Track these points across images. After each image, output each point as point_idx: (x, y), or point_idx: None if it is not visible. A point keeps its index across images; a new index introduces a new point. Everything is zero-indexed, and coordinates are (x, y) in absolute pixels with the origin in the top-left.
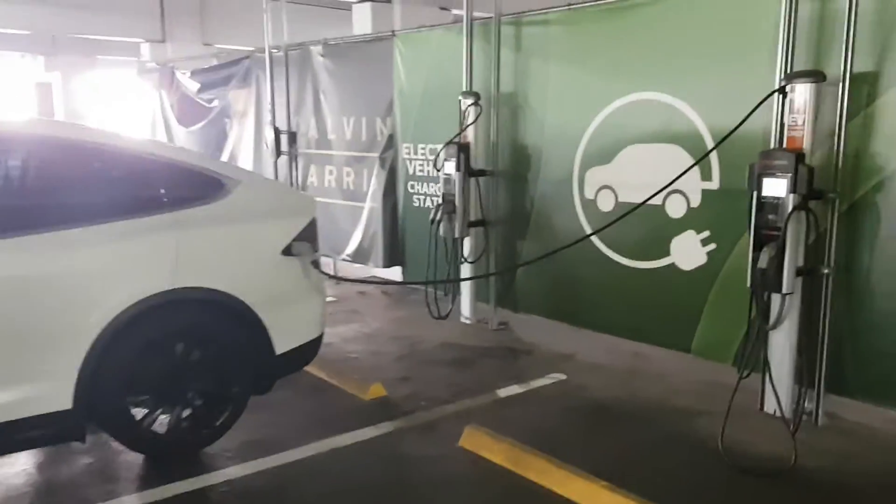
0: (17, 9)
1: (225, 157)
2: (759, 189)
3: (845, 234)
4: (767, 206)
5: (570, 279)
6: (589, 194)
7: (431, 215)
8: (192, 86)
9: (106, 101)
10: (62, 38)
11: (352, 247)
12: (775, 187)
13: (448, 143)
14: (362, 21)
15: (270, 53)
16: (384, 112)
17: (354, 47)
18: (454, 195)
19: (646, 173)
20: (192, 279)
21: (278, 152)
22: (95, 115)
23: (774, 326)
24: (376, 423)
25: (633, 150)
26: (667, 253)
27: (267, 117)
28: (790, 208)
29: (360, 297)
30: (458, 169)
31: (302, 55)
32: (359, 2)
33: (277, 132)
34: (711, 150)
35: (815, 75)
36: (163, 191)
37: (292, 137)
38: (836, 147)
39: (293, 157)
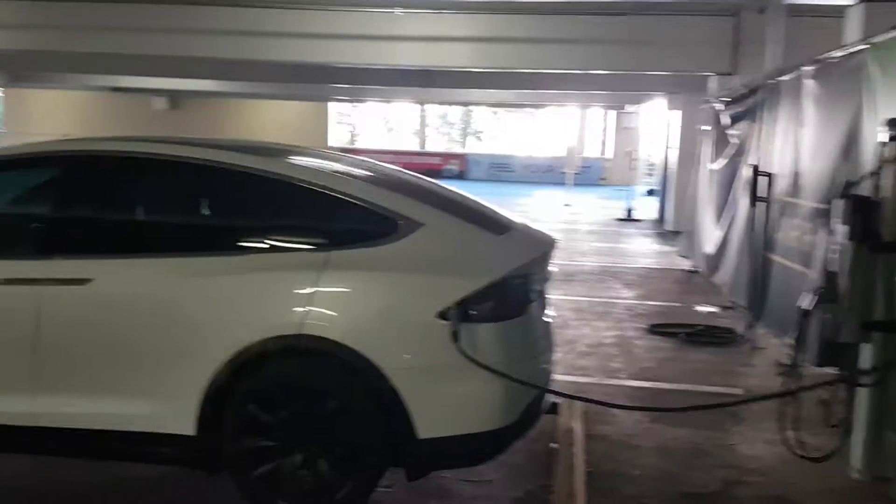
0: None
1: (730, 201)
2: None
3: None
4: None
5: None
6: None
7: (801, 301)
8: (725, 119)
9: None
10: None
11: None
12: None
13: (843, 195)
14: (852, 31)
15: (775, 79)
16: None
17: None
18: (840, 275)
19: None
20: (321, 328)
21: (753, 198)
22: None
23: None
24: None
25: None
26: None
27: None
28: None
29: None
30: (852, 237)
31: (794, 81)
32: (857, 2)
33: (756, 173)
34: None
35: None
36: (319, 225)
37: (769, 181)
38: None
39: (768, 205)
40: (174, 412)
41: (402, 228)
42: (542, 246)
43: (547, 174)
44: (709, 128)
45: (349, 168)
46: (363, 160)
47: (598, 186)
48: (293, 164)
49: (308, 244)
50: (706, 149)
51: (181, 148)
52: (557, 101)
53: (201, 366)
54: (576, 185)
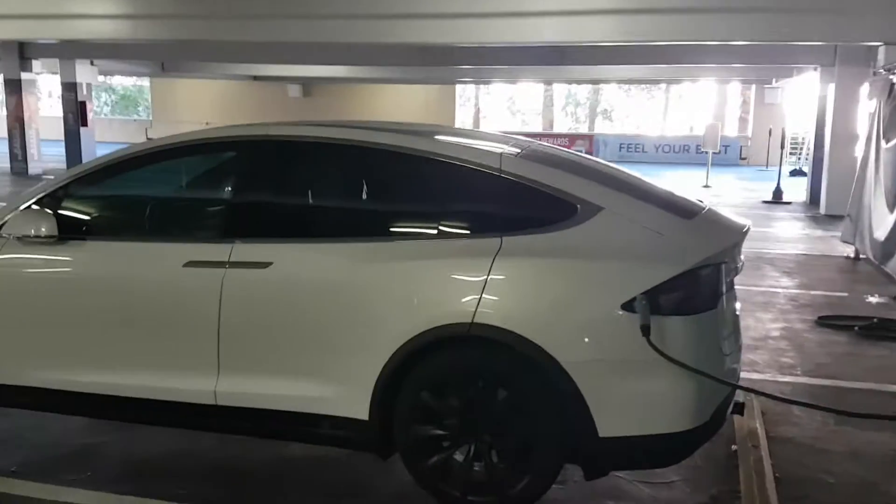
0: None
1: None
2: None
3: None
4: None
5: None
6: None
7: None
8: None
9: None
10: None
11: None
12: None
13: None
14: None
15: None
16: None
17: None
18: None
19: None
20: (495, 317)
21: None
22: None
23: None
24: None
25: None
26: None
27: None
28: None
29: None
30: None
31: None
32: None
33: None
34: None
35: None
36: (492, 210)
37: None
38: None
39: None
40: (348, 396)
41: (581, 212)
42: (734, 233)
43: (681, 154)
44: (878, 102)
45: (520, 150)
46: (531, 141)
47: (738, 167)
48: (466, 147)
49: (481, 230)
50: (875, 125)
51: (357, 132)
52: (694, 76)
53: (375, 351)
54: (714, 165)
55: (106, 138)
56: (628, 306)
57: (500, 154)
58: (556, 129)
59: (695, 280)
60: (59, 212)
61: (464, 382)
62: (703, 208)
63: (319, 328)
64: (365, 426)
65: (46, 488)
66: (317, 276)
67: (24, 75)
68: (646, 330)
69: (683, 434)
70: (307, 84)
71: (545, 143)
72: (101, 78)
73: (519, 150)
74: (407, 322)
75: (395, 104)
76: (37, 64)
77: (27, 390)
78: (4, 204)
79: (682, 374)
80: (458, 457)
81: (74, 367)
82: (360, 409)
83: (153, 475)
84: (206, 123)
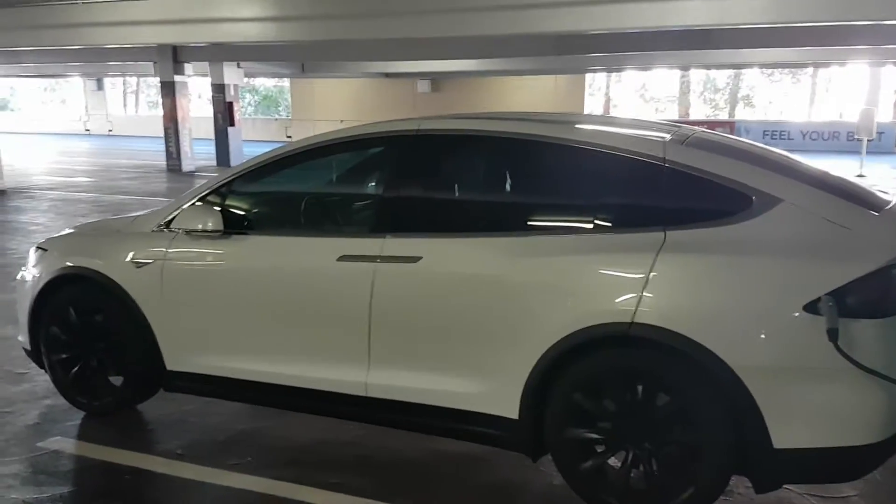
0: None
1: None
2: None
3: None
4: None
5: None
6: None
7: None
8: None
9: None
10: None
11: None
12: None
13: None
14: None
15: None
16: None
17: None
18: None
19: None
20: (658, 317)
21: None
22: None
23: None
24: None
25: None
26: None
27: None
28: None
29: None
30: None
31: None
32: None
33: None
34: None
35: None
36: (655, 202)
37: None
38: None
39: None
40: (498, 394)
41: (757, 204)
42: None
43: (830, 142)
44: None
45: (684, 137)
46: (693, 128)
47: (893, 154)
48: (626, 136)
49: (643, 223)
50: None
51: (510, 124)
52: (843, 59)
53: (526, 348)
54: (867, 153)
55: (250, 137)
56: (811, 307)
57: (664, 143)
58: (693, 116)
59: (887, 279)
60: (223, 207)
61: (621, 385)
62: (890, 200)
63: (468, 324)
64: (515, 425)
65: (211, 471)
66: (466, 271)
67: (178, 78)
68: (833, 334)
69: (870, 447)
70: (436, 79)
71: (708, 130)
72: (245, 79)
73: (684, 138)
74: (559, 320)
75: (523, 96)
76: (188, 67)
77: (191, 376)
78: (171, 200)
79: (871, 382)
80: (615, 462)
81: (235, 356)
82: (509, 407)
83: (307, 463)
84: (341, 121)
